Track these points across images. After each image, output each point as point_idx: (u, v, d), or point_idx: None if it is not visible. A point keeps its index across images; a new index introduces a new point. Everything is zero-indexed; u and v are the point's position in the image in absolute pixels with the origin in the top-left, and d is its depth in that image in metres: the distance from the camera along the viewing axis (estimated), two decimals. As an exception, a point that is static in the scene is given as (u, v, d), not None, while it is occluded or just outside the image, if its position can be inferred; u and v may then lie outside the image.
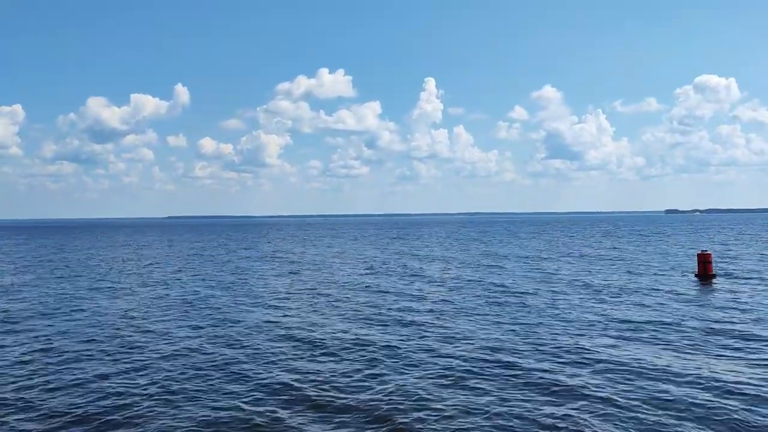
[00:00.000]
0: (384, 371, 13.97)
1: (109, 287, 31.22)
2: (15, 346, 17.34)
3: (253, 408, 11.59)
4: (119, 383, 13.30)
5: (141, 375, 13.99)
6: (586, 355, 15.05)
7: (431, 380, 13.15)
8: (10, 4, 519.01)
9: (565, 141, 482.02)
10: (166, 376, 13.86)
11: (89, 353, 16.26)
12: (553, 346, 16.27)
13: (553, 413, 10.96)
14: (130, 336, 18.47)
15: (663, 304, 22.97)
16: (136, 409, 11.61)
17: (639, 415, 10.81)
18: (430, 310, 22.50)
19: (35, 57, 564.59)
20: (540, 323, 19.52)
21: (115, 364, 15.04)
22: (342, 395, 12.22)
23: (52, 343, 17.57)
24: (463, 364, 14.48)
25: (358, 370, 14.09)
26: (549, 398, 11.86)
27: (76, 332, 19.19)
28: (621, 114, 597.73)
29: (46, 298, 27.31)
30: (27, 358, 15.88)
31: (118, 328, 19.71)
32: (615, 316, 20.41)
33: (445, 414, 11.04)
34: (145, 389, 12.83)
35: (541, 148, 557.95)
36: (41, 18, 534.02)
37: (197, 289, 29.72)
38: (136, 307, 24.27)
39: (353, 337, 17.80)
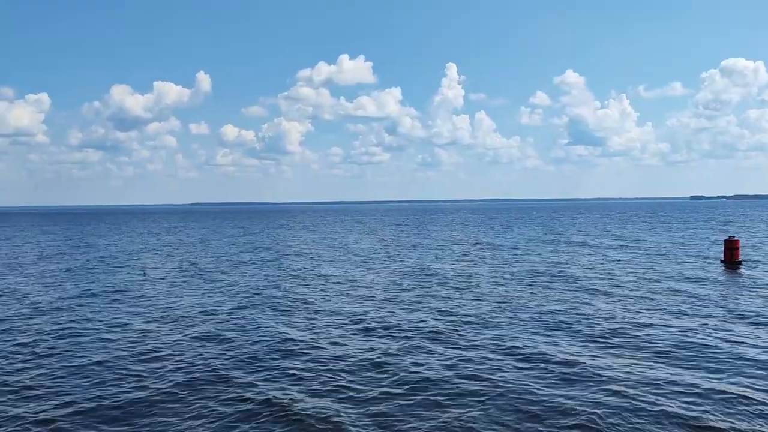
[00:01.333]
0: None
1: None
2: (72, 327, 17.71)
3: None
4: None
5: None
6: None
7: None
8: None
9: (588, 126, 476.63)
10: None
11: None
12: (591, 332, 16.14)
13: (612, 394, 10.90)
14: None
15: (687, 290, 22.63)
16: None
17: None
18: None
19: (60, 46, 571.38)
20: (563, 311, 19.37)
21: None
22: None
23: (117, 328, 17.90)
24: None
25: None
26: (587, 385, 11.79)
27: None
28: (645, 99, 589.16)
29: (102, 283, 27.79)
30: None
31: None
32: (638, 304, 20.16)
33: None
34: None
35: (564, 134, 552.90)
36: (66, 7, 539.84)
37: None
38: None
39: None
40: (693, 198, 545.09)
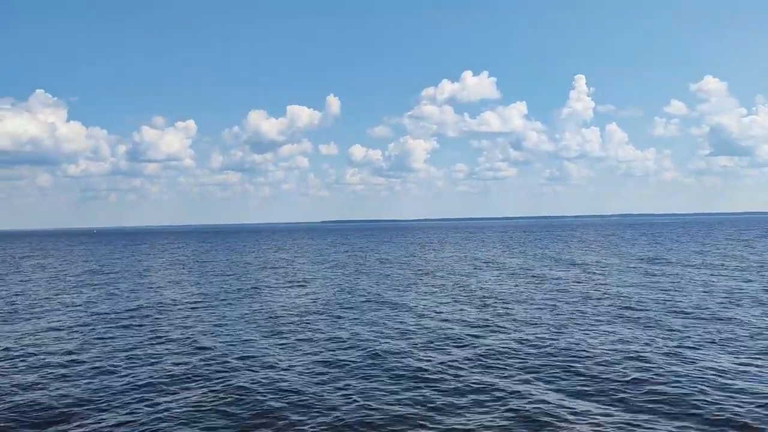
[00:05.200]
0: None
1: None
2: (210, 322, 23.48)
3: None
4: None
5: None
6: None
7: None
8: (178, 29, 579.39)
9: (731, 135, 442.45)
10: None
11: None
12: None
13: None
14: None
15: None
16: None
17: None
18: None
19: (204, 76, 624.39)
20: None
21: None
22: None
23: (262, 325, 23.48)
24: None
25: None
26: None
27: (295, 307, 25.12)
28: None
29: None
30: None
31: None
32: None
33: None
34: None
35: (704, 144, 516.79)
36: (207, 42, 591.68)
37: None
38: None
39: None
40: None
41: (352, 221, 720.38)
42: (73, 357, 17.90)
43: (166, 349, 18.69)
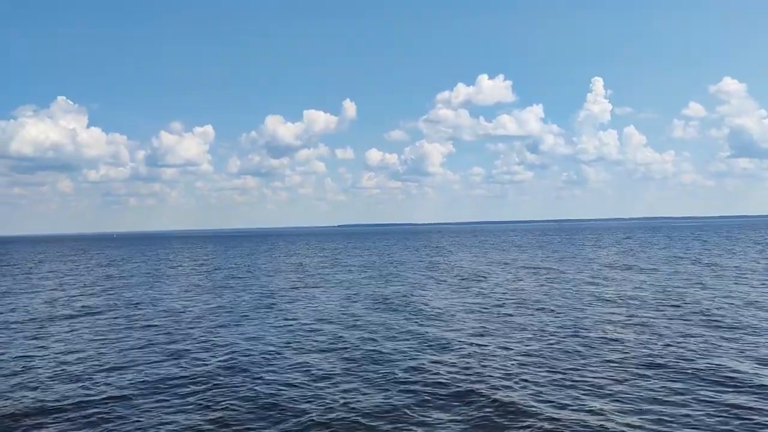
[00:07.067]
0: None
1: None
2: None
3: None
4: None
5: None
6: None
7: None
8: (196, 35, 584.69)
9: (752, 137, 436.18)
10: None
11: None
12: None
13: None
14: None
15: None
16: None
17: None
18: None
19: (220, 81, 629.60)
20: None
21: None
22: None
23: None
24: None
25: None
26: None
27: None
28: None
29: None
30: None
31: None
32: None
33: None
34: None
35: (725, 146, 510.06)
36: (222, 48, 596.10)
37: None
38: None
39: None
40: None
41: (369, 225, 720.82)
42: (69, 359, 17.98)
43: (168, 353, 18.71)
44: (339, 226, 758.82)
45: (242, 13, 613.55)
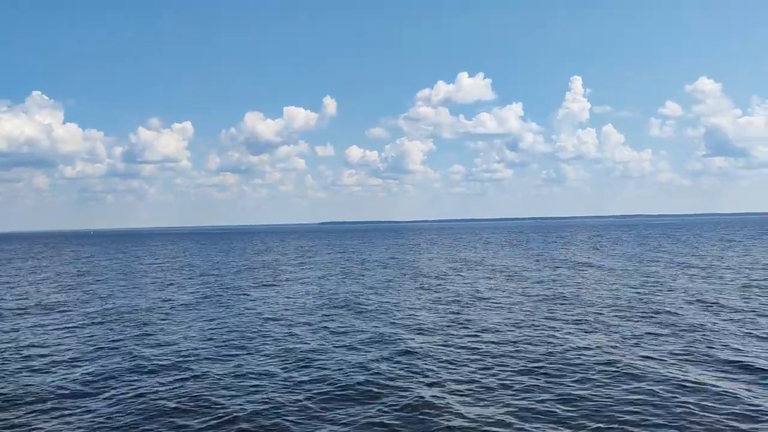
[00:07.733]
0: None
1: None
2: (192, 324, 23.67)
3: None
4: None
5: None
6: None
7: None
8: (174, 31, 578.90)
9: (727, 136, 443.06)
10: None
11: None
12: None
13: None
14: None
15: None
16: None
17: None
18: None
19: (201, 77, 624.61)
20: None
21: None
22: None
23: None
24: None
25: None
26: None
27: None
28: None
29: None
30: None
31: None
32: None
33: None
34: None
35: (700, 146, 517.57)
36: (204, 43, 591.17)
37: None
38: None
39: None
40: None
41: (349, 222, 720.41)
42: (37, 352, 18.08)
43: (128, 351, 18.88)
44: (320, 223, 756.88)
45: (221, 10, 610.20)
